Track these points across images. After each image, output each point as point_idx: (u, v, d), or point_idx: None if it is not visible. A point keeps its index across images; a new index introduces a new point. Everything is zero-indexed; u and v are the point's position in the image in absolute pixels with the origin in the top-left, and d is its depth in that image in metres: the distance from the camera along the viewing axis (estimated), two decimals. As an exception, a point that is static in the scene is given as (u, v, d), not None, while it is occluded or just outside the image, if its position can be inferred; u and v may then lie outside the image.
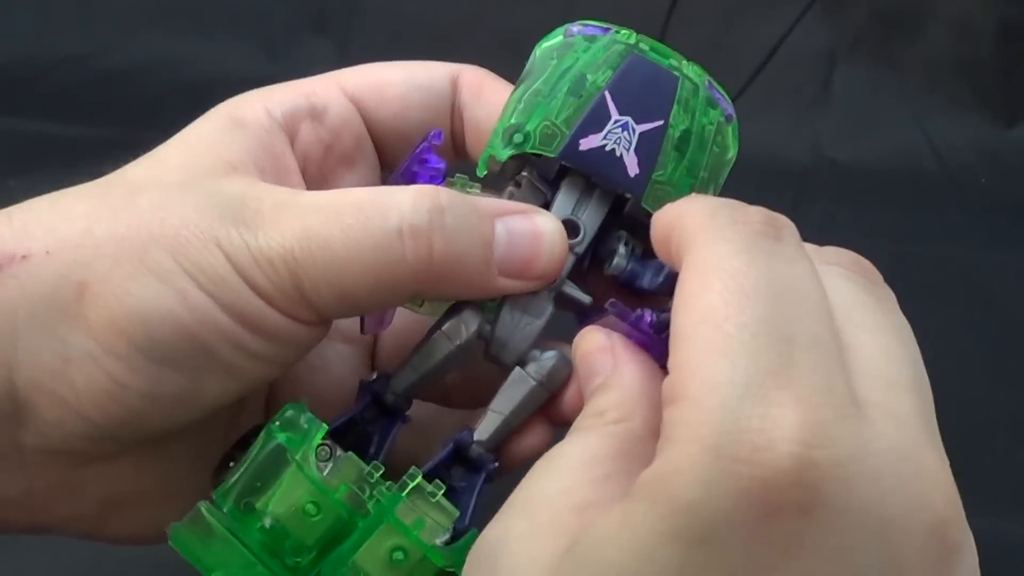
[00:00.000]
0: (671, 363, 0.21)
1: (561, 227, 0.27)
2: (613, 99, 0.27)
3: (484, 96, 0.31)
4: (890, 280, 0.82)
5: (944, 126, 0.93)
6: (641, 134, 0.27)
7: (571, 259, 0.27)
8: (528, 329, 0.27)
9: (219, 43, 1.08)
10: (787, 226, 0.23)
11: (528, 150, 0.28)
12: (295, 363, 0.28)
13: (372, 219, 0.24)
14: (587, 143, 0.27)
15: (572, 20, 1.15)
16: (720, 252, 0.21)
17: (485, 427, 0.27)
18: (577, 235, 0.28)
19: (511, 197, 0.28)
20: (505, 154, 0.28)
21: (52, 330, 0.24)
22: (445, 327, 0.27)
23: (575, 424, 0.24)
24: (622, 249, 0.28)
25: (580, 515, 0.21)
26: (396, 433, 0.29)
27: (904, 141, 0.93)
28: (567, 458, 0.23)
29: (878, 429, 0.20)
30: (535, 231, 0.26)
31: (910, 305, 0.78)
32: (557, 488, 0.22)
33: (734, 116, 0.29)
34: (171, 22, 1.09)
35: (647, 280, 0.28)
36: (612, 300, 0.26)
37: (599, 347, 0.25)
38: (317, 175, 0.31)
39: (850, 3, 0.97)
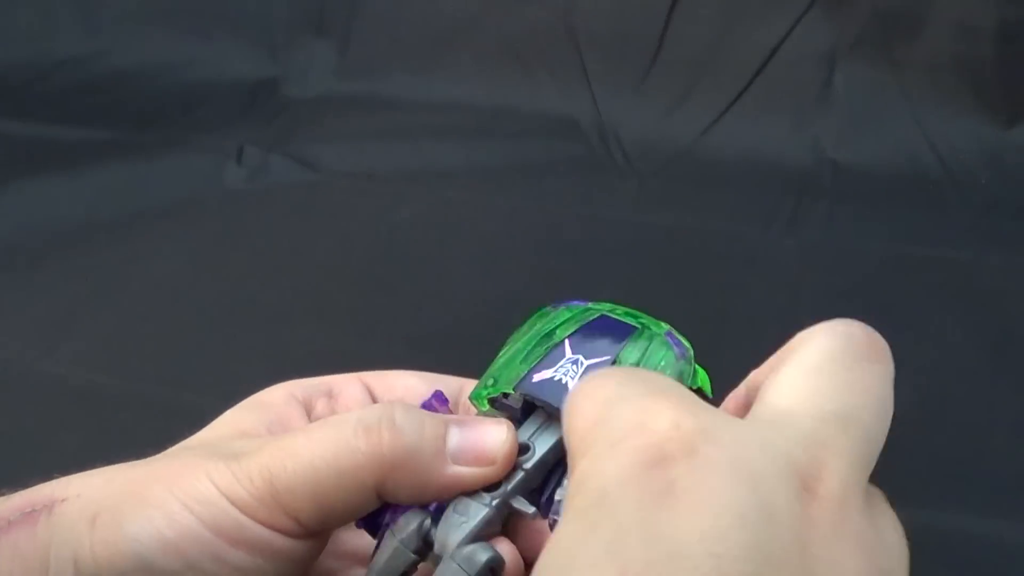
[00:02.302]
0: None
1: (508, 423, 0.30)
2: (571, 344, 0.31)
3: None
4: (890, 281, 0.82)
5: (944, 126, 0.93)
6: (588, 366, 0.31)
7: (520, 475, 0.30)
8: (463, 527, 0.29)
9: (220, 45, 1.08)
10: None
11: (496, 391, 0.31)
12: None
13: (333, 427, 0.29)
14: (539, 376, 0.30)
15: (572, 21, 1.14)
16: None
17: None
18: (526, 453, 0.30)
19: None
20: (482, 396, 0.32)
21: (68, 557, 0.28)
22: (393, 526, 0.30)
23: None
24: (565, 483, 0.31)
25: None
26: None
27: (904, 141, 0.93)
28: None
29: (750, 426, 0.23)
30: (484, 426, 0.30)
31: (910, 306, 0.78)
32: None
33: (685, 355, 0.31)
34: (171, 24, 1.09)
35: None
36: None
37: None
38: None
39: (850, 3, 0.97)
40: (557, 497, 0.30)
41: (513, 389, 0.31)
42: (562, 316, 0.32)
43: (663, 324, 0.32)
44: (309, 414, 0.34)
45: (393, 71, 1.06)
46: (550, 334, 0.31)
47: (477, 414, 0.33)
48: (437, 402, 0.34)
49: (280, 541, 0.29)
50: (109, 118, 0.99)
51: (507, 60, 1.03)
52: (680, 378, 0.31)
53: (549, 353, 0.31)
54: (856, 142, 0.93)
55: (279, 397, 0.34)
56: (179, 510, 0.28)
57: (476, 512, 0.29)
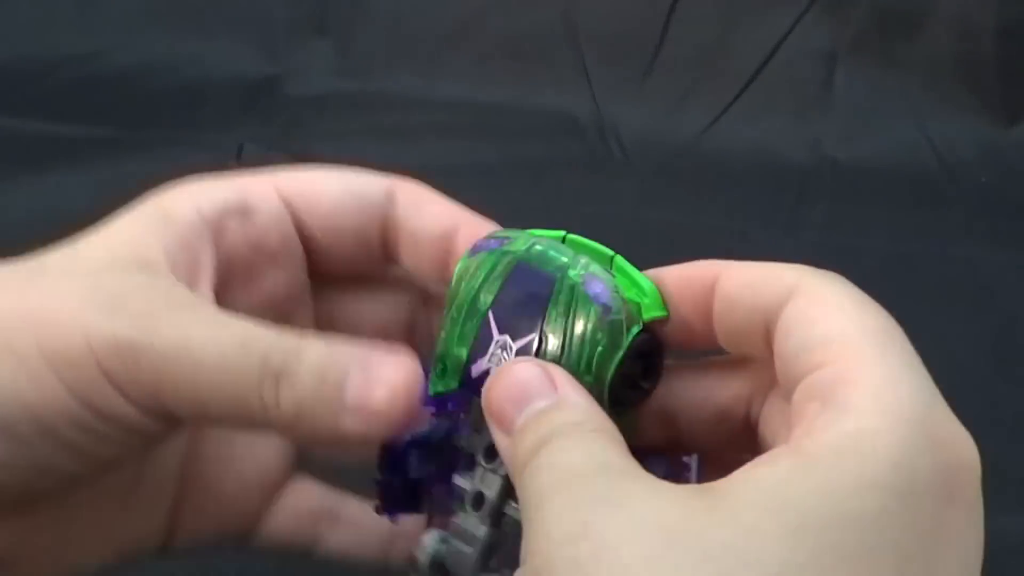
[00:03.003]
0: (814, 359, 0.23)
1: (414, 366, 0.26)
2: (495, 318, 0.28)
3: (423, 209, 0.32)
4: (890, 279, 0.82)
5: (944, 126, 0.93)
6: (517, 351, 0.28)
7: (499, 480, 0.27)
8: (467, 559, 0.27)
9: (220, 43, 1.08)
10: None
11: (449, 387, 0.29)
12: (156, 447, 0.29)
13: (243, 353, 0.25)
14: (476, 369, 0.28)
15: (572, 20, 1.14)
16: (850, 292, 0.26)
17: None
18: (495, 458, 0.27)
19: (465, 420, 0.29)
20: (437, 387, 0.29)
21: None
22: (410, 555, 0.28)
23: (537, 442, 0.24)
24: None
25: (662, 489, 0.22)
26: None
27: (904, 141, 0.93)
28: (583, 460, 0.23)
29: None
30: (381, 373, 0.26)
31: (910, 305, 0.77)
32: (597, 466, 0.22)
33: (611, 307, 0.28)
34: (172, 22, 1.09)
35: None
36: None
37: (535, 374, 0.26)
38: (243, 272, 0.31)
39: (850, 3, 0.97)
40: None
41: (458, 387, 0.28)
42: (482, 271, 0.29)
43: (580, 261, 0.29)
44: (218, 238, 0.30)
45: (394, 69, 1.06)
46: (475, 302, 0.28)
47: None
48: None
49: (149, 422, 0.26)
50: (111, 116, 0.99)
51: (508, 58, 1.03)
52: (611, 340, 0.27)
53: (479, 333, 0.28)
54: (856, 141, 0.93)
55: (185, 213, 0.30)
56: (46, 373, 0.25)
57: (473, 538, 0.27)
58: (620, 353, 0.27)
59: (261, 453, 0.33)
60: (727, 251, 0.29)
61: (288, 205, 0.31)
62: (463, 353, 0.28)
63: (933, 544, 0.21)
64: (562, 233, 0.30)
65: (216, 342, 0.25)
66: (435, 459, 0.29)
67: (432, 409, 0.29)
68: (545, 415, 0.25)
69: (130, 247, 0.28)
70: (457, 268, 0.30)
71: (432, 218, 0.31)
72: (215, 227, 0.30)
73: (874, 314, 0.24)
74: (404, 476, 0.29)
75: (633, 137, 0.96)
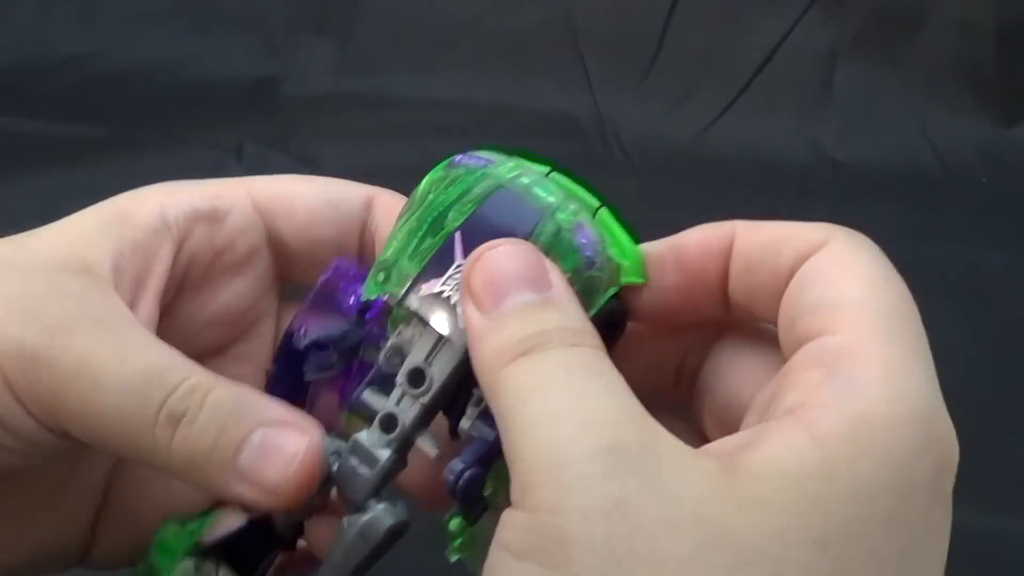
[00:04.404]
0: (819, 322, 0.23)
1: (316, 445, 0.26)
2: (463, 241, 0.26)
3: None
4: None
5: (944, 126, 0.93)
6: None
7: (418, 408, 0.26)
8: (361, 479, 0.26)
9: (220, 43, 1.08)
10: None
11: (386, 290, 0.27)
12: (67, 460, 0.28)
13: (152, 384, 0.25)
14: (427, 288, 0.26)
15: (572, 20, 1.14)
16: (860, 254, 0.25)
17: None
18: (421, 384, 0.26)
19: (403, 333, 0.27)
20: (372, 292, 0.27)
21: None
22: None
23: (525, 338, 0.22)
24: (469, 411, 0.26)
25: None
26: (276, 558, 0.29)
27: (904, 141, 0.93)
28: (604, 404, 0.21)
29: None
30: (283, 446, 0.25)
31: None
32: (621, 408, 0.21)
33: (595, 262, 0.26)
34: (172, 22, 1.09)
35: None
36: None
37: (532, 261, 0.24)
38: (201, 277, 0.30)
39: (850, 3, 0.97)
40: (464, 426, 0.26)
41: (400, 301, 0.26)
42: (457, 188, 0.26)
43: (569, 206, 0.26)
44: (183, 242, 0.29)
45: (393, 69, 1.06)
46: (441, 218, 0.26)
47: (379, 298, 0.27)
48: (336, 277, 0.29)
49: (52, 439, 0.25)
50: (110, 116, 0.99)
51: (507, 58, 1.03)
52: (585, 296, 0.25)
53: (439, 252, 0.26)
54: (856, 141, 0.93)
55: (147, 215, 0.29)
56: None
57: (373, 460, 0.25)
58: (590, 313, 0.25)
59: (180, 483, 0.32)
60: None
61: (263, 214, 0.31)
62: (414, 268, 0.26)
63: (924, 542, 0.21)
64: (547, 168, 0.28)
65: (121, 368, 0.24)
66: (335, 366, 0.28)
67: (351, 314, 0.28)
68: (535, 310, 0.23)
69: (74, 246, 0.27)
70: (428, 176, 0.27)
71: None
72: (180, 231, 0.29)
73: (897, 288, 0.24)
74: (297, 376, 0.28)
75: (633, 137, 0.96)
